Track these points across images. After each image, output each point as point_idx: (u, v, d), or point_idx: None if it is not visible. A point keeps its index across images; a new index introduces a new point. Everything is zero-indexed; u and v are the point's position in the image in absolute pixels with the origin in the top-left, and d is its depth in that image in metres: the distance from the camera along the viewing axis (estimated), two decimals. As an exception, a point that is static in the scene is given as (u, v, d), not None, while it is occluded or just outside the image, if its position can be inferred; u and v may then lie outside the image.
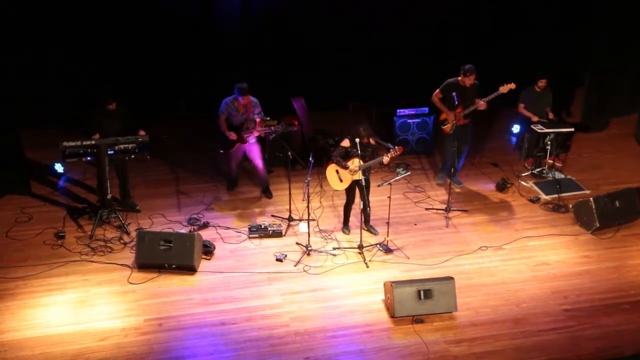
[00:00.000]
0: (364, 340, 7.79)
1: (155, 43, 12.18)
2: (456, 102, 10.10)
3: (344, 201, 9.65)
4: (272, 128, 9.92)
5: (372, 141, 9.18)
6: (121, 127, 9.63)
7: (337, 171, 9.28)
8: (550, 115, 11.08)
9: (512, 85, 9.98)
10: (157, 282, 8.70)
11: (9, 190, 10.49)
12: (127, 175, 10.18)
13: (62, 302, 8.34)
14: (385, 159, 9.03)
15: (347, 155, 9.19)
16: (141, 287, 8.61)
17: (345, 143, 9.22)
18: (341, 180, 9.31)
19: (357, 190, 9.41)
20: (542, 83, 10.97)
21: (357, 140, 8.97)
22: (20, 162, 10.55)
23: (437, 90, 10.43)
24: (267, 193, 10.52)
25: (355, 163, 9.10)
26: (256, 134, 9.99)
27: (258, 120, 9.93)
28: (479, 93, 10.18)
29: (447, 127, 10.50)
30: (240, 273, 8.90)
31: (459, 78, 10.16)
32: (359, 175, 9.11)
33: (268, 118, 9.95)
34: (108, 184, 9.56)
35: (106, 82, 11.43)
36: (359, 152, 9.00)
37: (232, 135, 9.95)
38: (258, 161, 10.28)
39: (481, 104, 10.08)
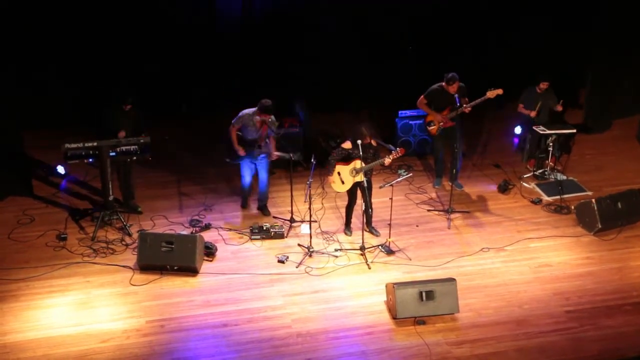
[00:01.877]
0: (366, 342, 7.79)
1: (157, 45, 12.18)
2: (458, 104, 10.10)
3: (346, 202, 9.65)
4: (287, 155, 9.72)
5: (373, 142, 9.18)
6: (133, 129, 9.65)
7: (339, 173, 9.28)
8: (559, 108, 11.00)
9: (500, 91, 10.02)
10: (159, 284, 8.70)
11: (11, 191, 10.49)
12: (132, 176, 10.17)
13: (64, 303, 8.35)
14: (387, 160, 9.04)
15: (348, 157, 9.19)
16: (143, 289, 8.61)
17: (347, 145, 9.22)
18: (343, 182, 9.31)
19: (358, 192, 9.42)
20: (543, 85, 10.97)
21: (359, 142, 8.98)
22: (22, 163, 10.56)
23: (422, 97, 10.50)
24: (264, 210, 10.25)
25: (357, 165, 9.10)
26: (274, 158, 9.83)
27: (273, 141, 9.74)
28: (466, 94, 10.22)
29: (434, 129, 10.56)
30: (242, 274, 8.90)
31: (443, 84, 10.20)
32: (361, 177, 9.10)
33: (280, 132, 9.87)
34: (110, 186, 9.58)
35: (121, 80, 11.43)
36: (361, 153, 9.01)
37: (241, 151, 9.65)
38: (263, 174, 10.03)
39: (466, 108, 10.11)
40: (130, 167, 10.02)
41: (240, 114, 9.58)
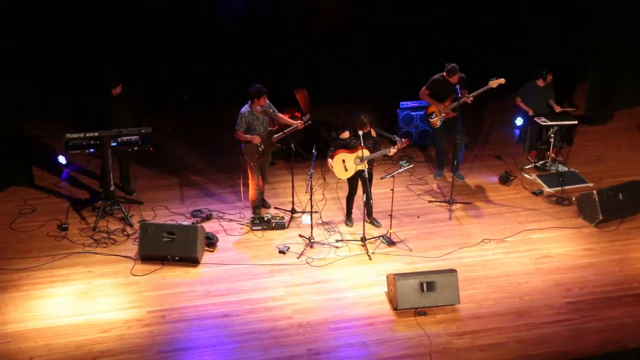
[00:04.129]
0: (367, 333, 7.80)
1: (159, 35, 12.16)
2: (459, 95, 10.08)
3: (347, 193, 9.65)
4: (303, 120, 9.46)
5: (373, 132, 9.16)
6: (130, 116, 9.63)
7: (343, 160, 9.24)
8: (557, 109, 11.05)
9: (502, 80, 10.00)
10: (160, 274, 8.71)
11: (13, 182, 10.50)
12: (129, 160, 10.19)
13: (65, 293, 8.37)
14: (392, 150, 9.06)
15: (347, 146, 9.18)
16: (144, 279, 8.63)
17: (345, 135, 9.22)
18: (346, 170, 9.28)
19: (359, 182, 9.41)
20: (550, 77, 10.95)
21: (361, 132, 8.96)
22: (23, 154, 10.56)
23: (424, 88, 10.50)
24: (264, 203, 10.16)
25: (362, 153, 9.06)
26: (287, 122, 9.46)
27: (302, 124, 9.42)
28: (467, 86, 10.21)
29: (435, 121, 10.55)
30: (243, 265, 8.91)
31: (444, 74, 10.19)
32: (365, 165, 9.09)
33: (308, 116, 9.54)
34: (111, 176, 9.58)
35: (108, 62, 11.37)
36: (361, 142, 8.99)
37: (256, 139, 9.31)
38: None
39: (468, 98, 10.09)
40: (127, 154, 10.03)
41: (240, 115, 9.29)
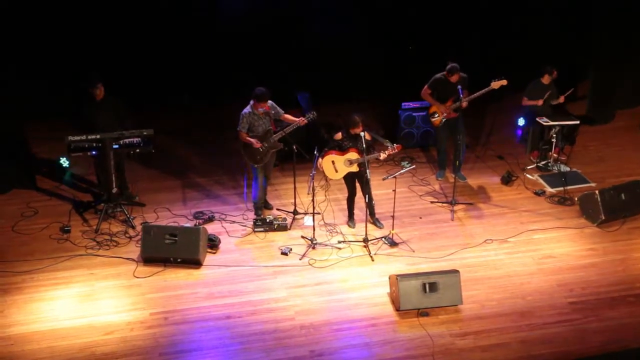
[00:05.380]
0: (369, 334, 7.80)
1: (160, 36, 12.15)
2: (461, 95, 10.08)
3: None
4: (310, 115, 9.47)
5: (367, 136, 9.15)
6: (113, 119, 9.59)
7: (332, 162, 9.24)
8: (562, 99, 11.04)
9: (504, 82, 10.02)
10: (163, 276, 8.72)
11: (15, 184, 10.50)
12: (124, 165, 10.17)
13: (68, 296, 8.37)
14: (383, 155, 9.03)
15: (340, 147, 9.18)
16: (147, 281, 8.63)
17: (338, 136, 9.23)
18: (336, 171, 9.29)
19: (356, 183, 9.42)
20: (555, 73, 10.97)
21: (362, 133, 8.96)
22: (25, 156, 10.57)
23: (426, 86, 10.52)
24: (266, 204, 10.18)
25: (351, 156, 9.08)
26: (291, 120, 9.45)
27: (304, 120, 9.41)
28: (467, 87, 10.21)
29: (437, 120, 10.56)
30: (246, 267, 8.91)
31: (445, 73, 10.21)
32: (355, 168, 9.10)
33: (313, 113, 9.52)
34: (113, 178, 9.59)
35: (94, 69, 11.38)
36: (352, 145, 8.99)
37: (257, 144, 9.38)
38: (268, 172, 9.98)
39: (462, 103, 10.08)
40: (122, 157, 9.99)
41: (242, 116, 9.34)
